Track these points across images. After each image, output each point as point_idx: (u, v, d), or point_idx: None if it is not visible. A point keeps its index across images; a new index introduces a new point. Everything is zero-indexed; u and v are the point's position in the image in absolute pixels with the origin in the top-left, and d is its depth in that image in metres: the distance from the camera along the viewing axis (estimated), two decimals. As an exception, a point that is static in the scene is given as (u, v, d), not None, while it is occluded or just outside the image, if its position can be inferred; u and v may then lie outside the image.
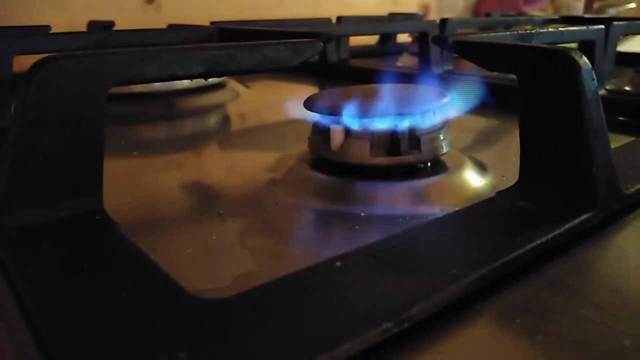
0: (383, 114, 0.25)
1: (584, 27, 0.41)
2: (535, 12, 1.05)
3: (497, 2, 1.09)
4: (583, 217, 0.20)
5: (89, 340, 0.13)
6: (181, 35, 0.45)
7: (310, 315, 0.14)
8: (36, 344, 0.14)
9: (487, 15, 0.86)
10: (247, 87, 0.57)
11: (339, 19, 0.73)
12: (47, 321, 0.14)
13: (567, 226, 0.19)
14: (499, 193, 0.23)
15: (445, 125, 0.27)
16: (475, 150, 0.32)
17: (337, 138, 0.26)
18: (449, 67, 0.55)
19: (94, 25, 0.62)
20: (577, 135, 0.21)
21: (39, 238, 0.19)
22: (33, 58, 0.21)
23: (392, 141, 0.25)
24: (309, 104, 0.27)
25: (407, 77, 0.40)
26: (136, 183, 0.29)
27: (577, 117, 0.21)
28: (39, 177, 0.20)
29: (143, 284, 0.16)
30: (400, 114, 0.25)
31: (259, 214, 0.24)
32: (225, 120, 0.47)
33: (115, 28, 0.60)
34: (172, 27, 0.56)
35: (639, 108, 0.38)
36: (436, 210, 0.24)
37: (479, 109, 0.33)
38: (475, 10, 1.16)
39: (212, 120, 0.47)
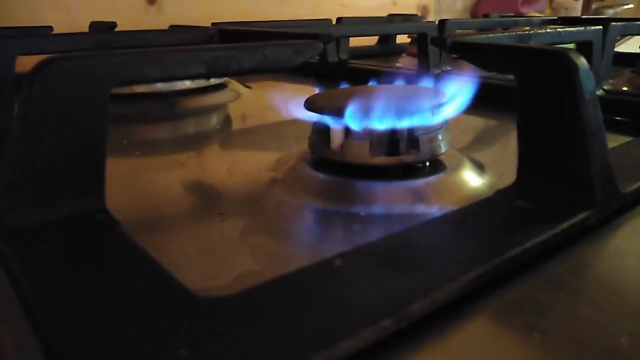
0: (382, 114, 0.25)
1: (582, 28, 0.41)
2: (533, 13, 1.05)
3: (495, 3, 1.09)
4: (581, 216, 0.20)
5: (91, 339, 0.13)
6: (182, 36, 0.45)
7: (310, 314, 0.15)
8: (38, 343, 0.14)
9: (486, 16, 0.86)
10: (248, 87, 0.57)
11: (339, 20, 0.73)
12: (49, 320, 0.14)
13: (564, 225, 0.20)
14: (497, 192, 0.23)
15: (443, 125, 0.27)
16: (474, 150, 0.32)
17: (337, 138, 0.26)
18: (448, 67, 0.55)
19: (96, 26, 0.62)
20: (575, 135, 0.21)
21: (41, 237, 0.19)
22: (35, 59, 0.21)
23: (391, 141, 0.25)
24: (309, 104, 0.27)
25: (406, 78, 0.40)
26: (138, 182, 0.29)
27: (575, 117, 0.21)
28: (42, 176, 0.20)
29: (145, 283, 0.16)
30: (399, 114, 0.25)
31: (260, 213, 0.24)
32: (227, 121, 0.47)
33: (117, 29, 0.60)
34: (173, 28, 0.56)
35: (636, 108, 0.39)
36: (435, 209, 0.24)
37: (478, 109, 0.33)
38: (474, 12, 1.16)
39: (214, 120, 0.47)
